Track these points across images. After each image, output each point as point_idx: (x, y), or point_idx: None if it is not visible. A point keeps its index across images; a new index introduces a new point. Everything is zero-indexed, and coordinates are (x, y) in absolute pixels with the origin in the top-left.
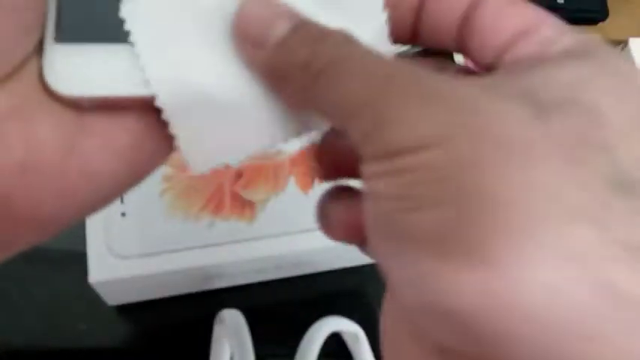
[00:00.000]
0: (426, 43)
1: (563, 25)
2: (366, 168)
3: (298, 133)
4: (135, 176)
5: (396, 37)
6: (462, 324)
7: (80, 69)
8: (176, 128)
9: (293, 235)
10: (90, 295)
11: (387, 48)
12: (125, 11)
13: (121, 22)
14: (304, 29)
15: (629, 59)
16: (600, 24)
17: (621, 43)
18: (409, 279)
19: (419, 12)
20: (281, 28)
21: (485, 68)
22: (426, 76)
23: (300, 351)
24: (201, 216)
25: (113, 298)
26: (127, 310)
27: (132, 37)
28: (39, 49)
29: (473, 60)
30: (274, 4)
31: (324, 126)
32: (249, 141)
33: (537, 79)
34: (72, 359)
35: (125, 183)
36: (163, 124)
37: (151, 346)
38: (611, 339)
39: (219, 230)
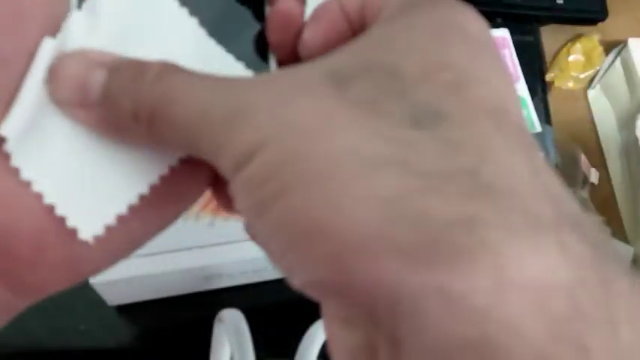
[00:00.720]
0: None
1: None
2: (231, 190)
3: (171, 163)
4: (137, 240)
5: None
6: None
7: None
8: (60, 207)
9: None
10: (90, 295)
11: (219, 59)
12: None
13: None
14: (120, 72)
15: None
16: (600, 24)
17: (621, 43)
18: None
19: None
20: (97, 80)
21: None
22: (240, 88)
23: (300, 351)
24: (201, 216)
25: (113, 298)
26: (127, 310)
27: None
28: None
29: None
30: (81, 55)
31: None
32: (126, 190)
33: (339, 57)
34: (72, 359)
35: (127, 246)
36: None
37: (151, 346)
38: (432, 265)
39: (219, 230)
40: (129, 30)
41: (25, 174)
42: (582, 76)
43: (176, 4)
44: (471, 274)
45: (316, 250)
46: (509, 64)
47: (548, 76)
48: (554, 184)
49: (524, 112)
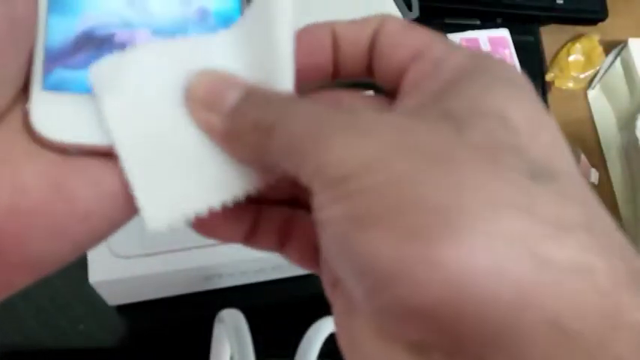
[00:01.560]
0: (342, 76)
1: (452, 44)
2: (317, 199)
3: (249, 190)
4: (130, 214)
5: (322, 75)
6: (426, 318)
7: (66, 116)
8: (135, 184)
9: None
10: (90, 295)
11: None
12: (93, 76)
13: None
14: (253, 96)
15: (630, 60)
16: (600, 24)
17: (621, 44)
18: (370, 289)
19: (336, 51)
20: (233, 96)
21: (389, 90)
22: (360, 112)
23: (300, 351)
24: None
25: (113, 298)
26: (127, 310)
27: (101, 106)
28: (22, 96)
29: (380, 83)
30: (225, 75)
31: (272, 179)
32: (203, 199)
33: (447, 100)
34: (72, 359)
35: (120, 222)
36: None
37: (151, 346)
38: (543, 303)
39: None
40: (254, 59)
41: (116, 140)
42: (582, 76)
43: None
44: (583, 316)
45: (427, 276)
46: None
47: (548, 77)
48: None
49: None
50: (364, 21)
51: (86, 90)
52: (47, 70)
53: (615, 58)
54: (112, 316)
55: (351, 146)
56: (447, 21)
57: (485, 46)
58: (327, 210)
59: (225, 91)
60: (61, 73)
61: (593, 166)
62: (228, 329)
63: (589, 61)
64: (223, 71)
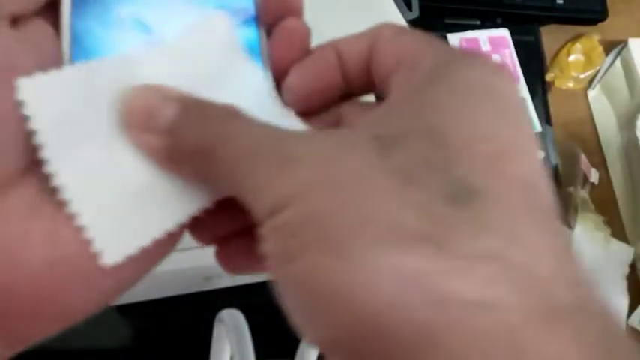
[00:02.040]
0: (353, 94)
1: (437, 45)
2: (257, 232)
3: (205, 204)
4: (156, 261)
5: (333, 95)
6: (343, 349)
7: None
8: (82, 220)
9: None
10: None
11: (277, 111)
12: (23, 93)
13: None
14: (191, 110)
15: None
16: (600, 24)
17: (621, 44)
18: (313, 318)
19: (343, 69)
20: (169, 112)
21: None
22: (291, 139)
23: (300, 351)
24: None
25: None
26: (127, 309)
27: (37, 137)
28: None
29: (376, 95)
30: (159, 88)
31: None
32: (158, 223)
33: (383, 120)
34: (72, 359)
35: (147, 269)
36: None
37: (151, 346)
38: (448, 342)
39: None
40: (198, 74)
41: (59, 181)
42: (582, 76)
43: (246, 56)
44: (487, 355)
45: (332, 313)
46: (509, 64)
47: (548, 76)
48: (578, 269)
49: None
50: (363, 33)
51: None
52: None
53: (615, 58)
54: (112, 316)
55: (274, 179)
56: (447, 21)
57: (485, 46)
58: (263, 244)
59: (160, 106)
60: None
61: (593, 166)
62: (228, 329)
63: (589, 61)
64: (158, 85)
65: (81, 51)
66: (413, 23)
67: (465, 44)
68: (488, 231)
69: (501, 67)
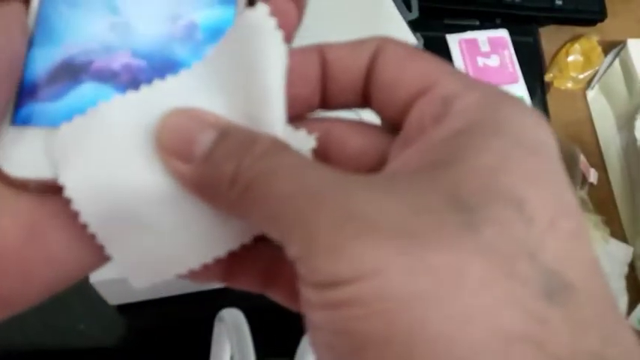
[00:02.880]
0: (333, 106)
1: (463, 77)
2: (304, 293)
3: (240, 242)
4: (103, 259)
5: (306, 107)
6: None
7: (31, 151)
8: (111, 250)
9: None
10: (90, 295)
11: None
12: (54, 149)
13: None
14: (230, 138)
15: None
16: (599, 25)
17: (620, 44)
18: None
19: (324, 79)
20: (206, 139)
21: (390, 122)
22: (355, 192)
23: (300, 351)
24: None
25: (114, 297)
26: (127, 309)
27: (59, 173)
28: None
29: (379, 114)
30: (196, 114)
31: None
32: (189, 255)
33: (457, 170)
34: (72, 359)
35: (91, 266)
36: None
37: (152, 346)
38: None
39: None
40: (234, 86)
41: (85, 218)
42: (581, 76)
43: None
44: None
45: None
46: (509, 64)
47: (547, 77)
48: None
49: None
50: (359, 44)
51: (57, 123)
52: (20, 104)
53: (614, 58)
54: (112, 315)
55: (342, 243)
56: (447, 21)
57: (485, 47)
58: (312, 312)
59: (196, 133)
60: (33, 107)
61: (592, 166)
62: (228, 329)
63: (588, 61)
64: (194, 109)
65: (46, 29)
66: (412, 24)
67: (464, 45)
68: (586, 331)
69: (541, 116)
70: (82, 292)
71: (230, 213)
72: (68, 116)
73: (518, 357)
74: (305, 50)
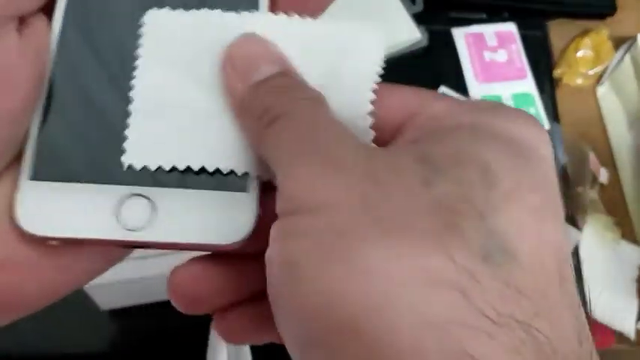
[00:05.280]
0: None
1: (456, 102)
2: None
3: (245, 170)
4: (108, 263)
5: None
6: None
7: (52, 208)
8: (132, 119)
9: None
10: (82, 300)
11: (363, 123)
12: (148, 19)
13: (98, 162)
14: (285, 78)
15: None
16: (608, 19)
17: (630, 39)
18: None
19: None
20: (267, 71)
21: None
22: (348, 146)
23: None
24: None
25: (106, 302)
26: (121, 313)
27: (140, 47)
28: (15, 164)
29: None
30: (272, 49)
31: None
32: (197, 154)
33: (433, 143)
34: None
35: (99, 271)
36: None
37: (148, 348)
38: None
39: None
40: (312, 60)
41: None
42: (591, 72)
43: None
44: None
45: (350, 347)
46: (517, 59)
47: (557, 72)
48: (594, 354)
49: (533, 110)
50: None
51: (74, 180)
52: (36, 160)
53: (625, 53)
54: (104, 320)
55: (311, 179)
56: (452, 15)
57: (492, 41)
58: (269, 249)
59: (263, 62)
60: (51, 162)
61: (602, 165)
62: None
63: (598, 56)
64: (273, 44)
65: (66, 76)
66: (417, 17)
67: (470, 39)
68: (517, 297)
69: (536, 121)
70: (74, 297)
71: (253, 143)
72: (87, 173)
73: (441, 299)
74: None
